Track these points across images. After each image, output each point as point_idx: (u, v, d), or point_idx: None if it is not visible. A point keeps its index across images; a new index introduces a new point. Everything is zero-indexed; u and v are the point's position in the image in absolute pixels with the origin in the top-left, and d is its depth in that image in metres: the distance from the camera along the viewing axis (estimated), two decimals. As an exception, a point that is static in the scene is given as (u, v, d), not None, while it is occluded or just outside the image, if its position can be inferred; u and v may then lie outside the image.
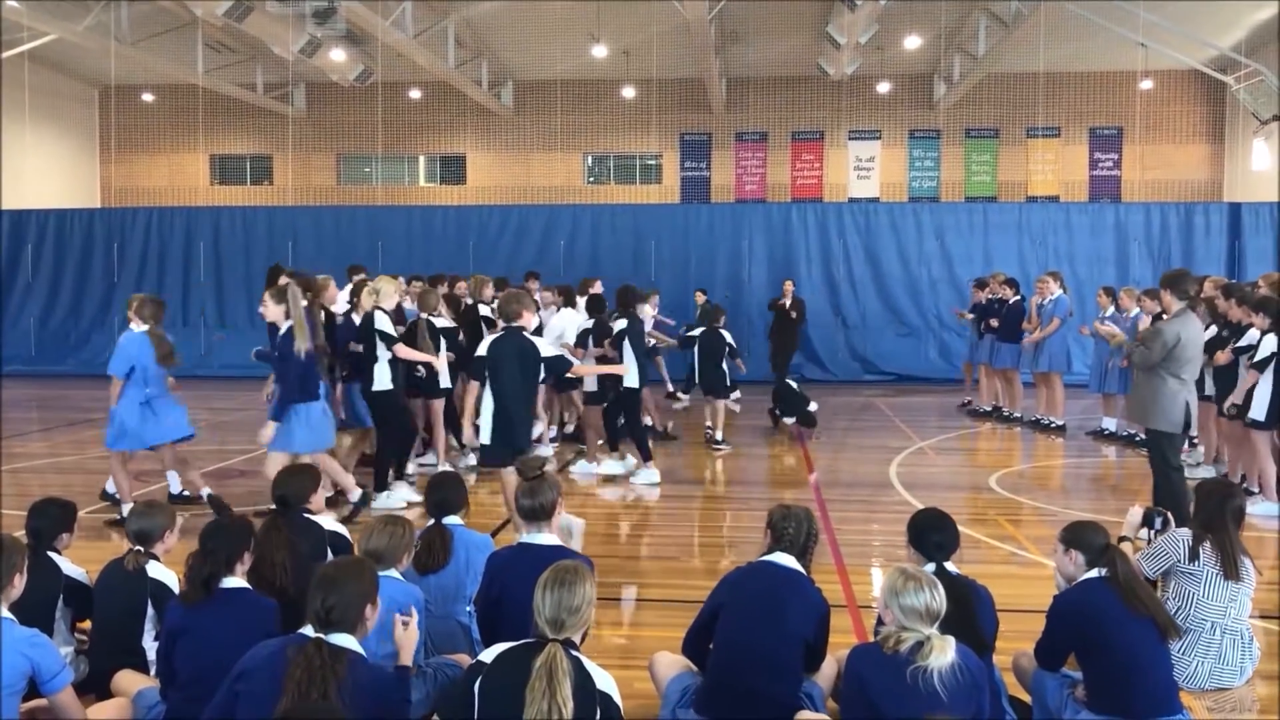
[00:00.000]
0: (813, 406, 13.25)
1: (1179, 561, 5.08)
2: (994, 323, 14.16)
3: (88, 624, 5.08)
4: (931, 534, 4.53)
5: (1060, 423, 13.39)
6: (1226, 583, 5.01)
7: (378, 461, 9.18)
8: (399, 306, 9.75)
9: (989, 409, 14.70)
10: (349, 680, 3.46)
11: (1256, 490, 9.05)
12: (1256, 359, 8.77)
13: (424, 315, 9.68)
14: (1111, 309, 12.49)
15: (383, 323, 8.86)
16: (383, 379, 8.89)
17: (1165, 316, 7.90)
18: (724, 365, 12.21)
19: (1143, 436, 9.24)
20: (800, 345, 18.22)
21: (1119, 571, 4.38)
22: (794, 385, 13.47)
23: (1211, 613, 5.00)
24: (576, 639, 3.58)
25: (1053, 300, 13.36)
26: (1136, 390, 7.90)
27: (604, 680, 3.52)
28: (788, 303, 17.02)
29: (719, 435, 12.19)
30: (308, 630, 3.63)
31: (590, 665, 3.52)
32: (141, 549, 4.88)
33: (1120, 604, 4.29)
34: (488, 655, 3.61)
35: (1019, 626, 5.22)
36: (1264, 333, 8.78)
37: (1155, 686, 4.26)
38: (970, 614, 4.18)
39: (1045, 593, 4.91)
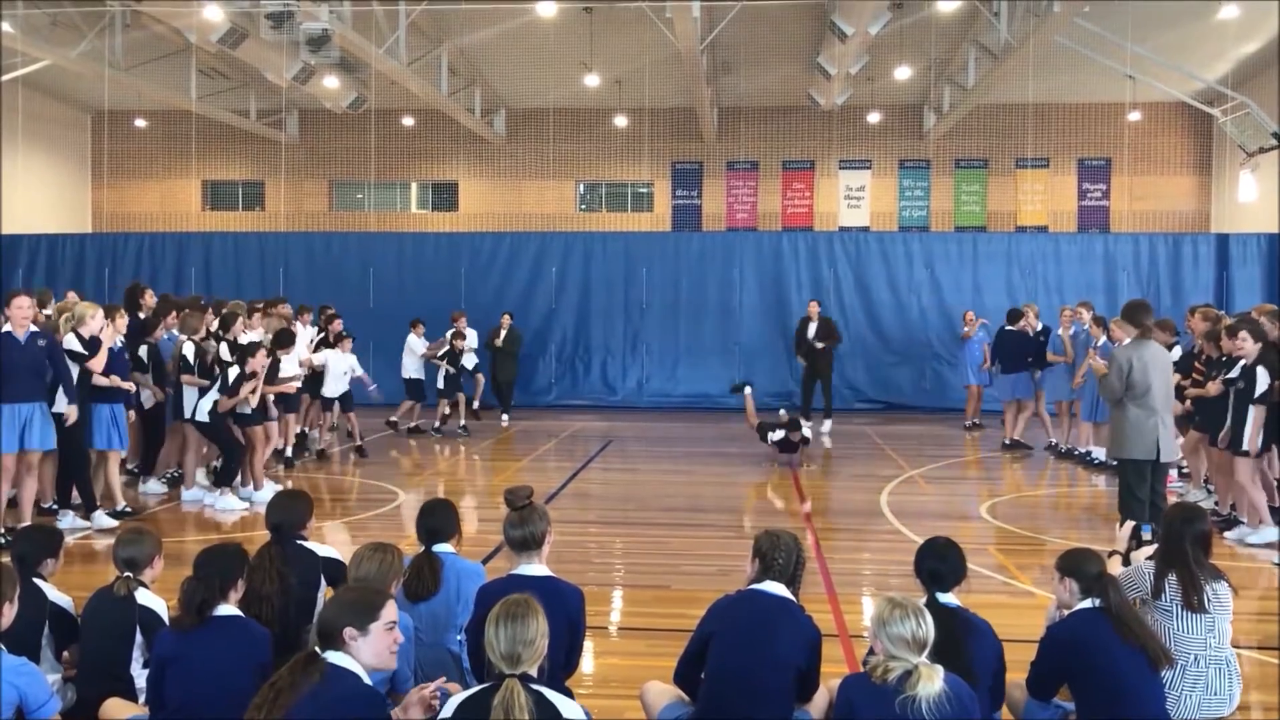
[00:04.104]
0: (805, 433, 12.88)
1: (1147, 597, 4.97)
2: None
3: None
4: (926, 561, 4.49)
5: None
6: (1199, 614, 4.87)
7: (64, 481, 9.39)
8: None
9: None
10: (331, 691, 3.49)
11: (1244, 521, 9.06)
12: (1257, 395, 8.60)
13: (183, 338, 10.55)
14: (1103, 339, 12.55)
15: (71, 344, 9.19)
16: (62, 403, 9.04)
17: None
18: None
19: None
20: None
21: (1112, 601, 4.37)
22: (782, 414, 13.03)
23: (1192, 645, 4.86)
24: (533, 672, 3.54)
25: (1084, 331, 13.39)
26: (1110, 420, 7.98)
27: (570, 708, 3.50)
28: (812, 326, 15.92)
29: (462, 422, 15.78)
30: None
31: (553, 695, 3.48)
32: (130, 575, 4.86)
33: (1113, 634, 4.28)
34: (448, 708, 3.57)
35: (1011, 656, 5.19)
36: (1254, 364, 8.69)
37: (1147, 717, 4.25)
38: (960, 649, 4.10)
39: (1037, 622, 4.90)
